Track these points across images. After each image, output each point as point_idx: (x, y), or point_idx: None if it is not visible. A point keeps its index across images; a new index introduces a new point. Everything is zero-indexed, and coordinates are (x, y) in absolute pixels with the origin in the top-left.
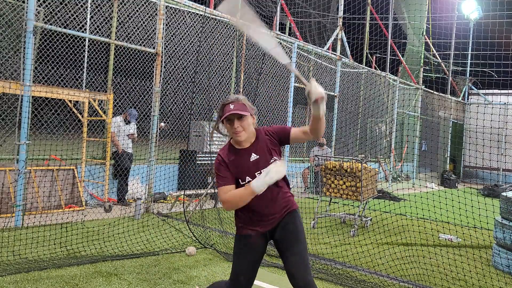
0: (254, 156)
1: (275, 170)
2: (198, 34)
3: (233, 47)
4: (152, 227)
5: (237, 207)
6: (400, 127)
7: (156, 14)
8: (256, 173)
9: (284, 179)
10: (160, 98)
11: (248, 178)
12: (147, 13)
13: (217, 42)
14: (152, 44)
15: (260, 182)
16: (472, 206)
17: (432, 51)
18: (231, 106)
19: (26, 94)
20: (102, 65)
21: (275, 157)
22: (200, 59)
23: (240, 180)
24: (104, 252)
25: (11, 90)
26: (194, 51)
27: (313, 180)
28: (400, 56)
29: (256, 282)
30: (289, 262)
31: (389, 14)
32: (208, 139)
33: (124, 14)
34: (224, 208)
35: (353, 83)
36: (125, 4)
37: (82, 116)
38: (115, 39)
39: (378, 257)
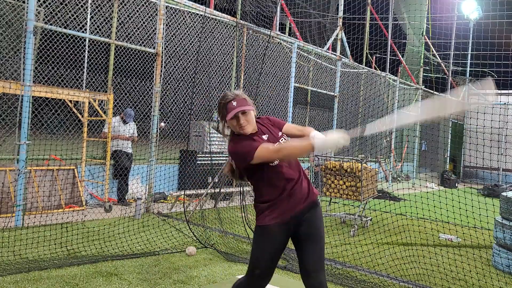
0: (265, 136)
1: (338, 136)
2: (198, 34)
3: (233, 47)
4: (152, 227)
5: (288, 158)
6: (400, 127)
7: (156, 14)
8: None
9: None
10: (160, 98)
11: None
12: (147, 13)
13: (217, 42)
14: (152, 44)
15: (322, 141)
16: (472, 206)
17: (432, 51)
18: (234, 103)
19: (26, 94)
20: (102, 65)
21: (280, 132)
22: (200, 59)
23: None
24: (104, 252)
25: (11, 90)
26: (194, 51)
27: (313, 180)
28: (400, 56)
29: None
30: (307, 259)
31: (389, 14)
32: (209, 138)
33: (124, 14)
34: (274, 156)
35: (353, 83)
36: (125, 4)
37: (82, 116)
38: (115, 39)
39: (378, 257)
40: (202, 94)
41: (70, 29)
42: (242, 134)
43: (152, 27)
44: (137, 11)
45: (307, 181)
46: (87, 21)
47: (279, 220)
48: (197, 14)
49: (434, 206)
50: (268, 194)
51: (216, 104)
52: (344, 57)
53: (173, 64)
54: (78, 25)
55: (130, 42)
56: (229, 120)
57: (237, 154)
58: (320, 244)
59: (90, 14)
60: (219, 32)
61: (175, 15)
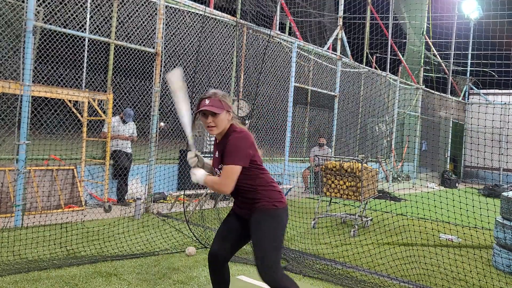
0: (217, 153)
1: (192, 172)
2: (198, 34)
3: (233, 47)
4: (152, 227)
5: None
6: (400, 127)
7: (156, 13)
8: (216, 168)
9: (253, 182)
10: (160, 98)
11: (215, 170)
12: (147, 13)
13: (217, 41)
14: (152, 44)
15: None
16: (472, 206)
17: (433, 51)
18: (207, 102)
19: (25, 94)
20: (102, 65)
21: (221, 165)
22: (200, 59)
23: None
24: (104, 252)
25: (11, 90)
26: (194, 51)
27: (313, 180)
28: (400, 56)
29: (255, 282)
30: (254, 254)
31: (389, 13)
32: (209, 138)
33: (124, 14)
34: None
35: (353, 83)
36: (125, 4)
37: (82, 116)
38: (115, 39)
39: (378, 257)
40: (201, 93)
41: (69, 28)
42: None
43: (151, 27)
44: (137, 10)
45: (256, 195)
46: (86, 21)
47: (234, 208)
48: (197, 13)
49: (435, 206)
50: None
51: None
52: (344, 56)
53: (173, 64)
54: (78, 24)
55: (130, 42)
56: (200, 116)
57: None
58: (256, 245)
59: (90, 13)
60: (219, 32)
61: (175, 15)
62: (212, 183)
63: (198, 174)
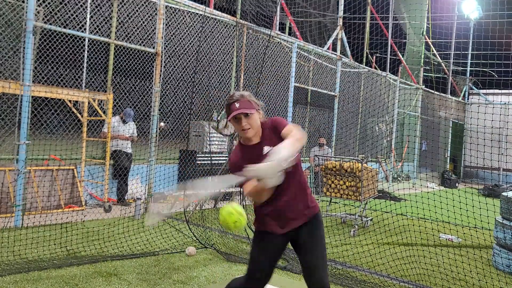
0: (267, 148)
1: (281, 149)
2: (198, 34)
3: (233, 47)
4: (152, 227)
5: (259, 200)
6: (400, 127)
7: (156, 14)
8: None
9: (301, 177)
10: (160, 98)
11: None
12: (147, 13)
13: (217, 42)
14: (152, 44)
15: (254, 171)
16: (472, 206)
17: (433, 51)
18: (237, 105)
19: (25, 94)
20: (102, 65)
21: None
22: (200, 59)
23: None
24: (104, 252)
25: (11, 90)
26: (194, 51)
27: (313, 180)
28: (400, 56)
29: None
30: (309, 263)
31: (389, 13)
32: (209, 138)
33: (124, 14)
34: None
35: (353, 83)
36: (125, 4)
37: (82, 116)
38: (115, 39)
39: (378, 257)
40: (201, 94)
41: (69, 28)
42: (245, 143)
43: (151, 27)
44: (137, 10)
45: (305, 194)
46: (86, 21)
47: (274, 229)
48: (197, 13)
49: (435, 206)
50: (265, 204)
51: (215, 104)
52: (344, 56)
53: (173, 64)
54: (78, 24)
55: (130, 42)
56: (232, 121)
57: (229, 163)
58: (320, 250)
59: (90, 13)
60: (219, 32)
61: (175, 15)
62: (293, 141)
63: (282, 152)
